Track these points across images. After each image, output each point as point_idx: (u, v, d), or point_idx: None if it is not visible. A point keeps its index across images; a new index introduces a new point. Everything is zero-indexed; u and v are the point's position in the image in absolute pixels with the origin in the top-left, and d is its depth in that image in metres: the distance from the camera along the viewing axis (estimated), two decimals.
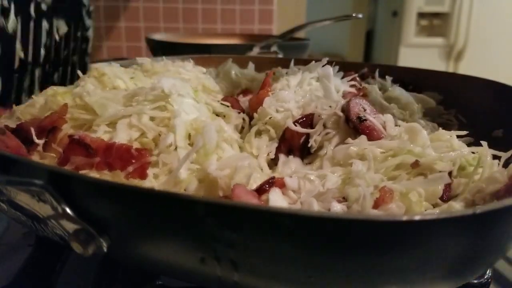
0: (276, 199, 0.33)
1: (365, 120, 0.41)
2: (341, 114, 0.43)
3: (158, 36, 1.15)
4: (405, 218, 0.22)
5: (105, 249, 0.27)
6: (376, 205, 0.31)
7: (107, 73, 0.49)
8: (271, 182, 0.34)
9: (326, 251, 0.23)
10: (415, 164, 0.35)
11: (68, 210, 0.26)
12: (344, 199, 0.33)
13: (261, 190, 0.33)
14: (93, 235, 0.26)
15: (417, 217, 0.21)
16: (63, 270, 0.40)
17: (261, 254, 0.24)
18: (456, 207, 0.32)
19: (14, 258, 0.41)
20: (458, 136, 0.41)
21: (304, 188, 0.35)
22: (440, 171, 0.35)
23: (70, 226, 0.27)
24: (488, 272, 0.38)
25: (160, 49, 1.01)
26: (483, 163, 0.36)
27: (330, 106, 0.45)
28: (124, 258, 0.31)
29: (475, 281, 0.37)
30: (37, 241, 0.43)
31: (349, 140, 0.40)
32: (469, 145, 0.42)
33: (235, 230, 0.23)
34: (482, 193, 0.33)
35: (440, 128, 0.47)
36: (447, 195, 0.35)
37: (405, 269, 0.24)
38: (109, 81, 0.49)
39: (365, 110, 0.43)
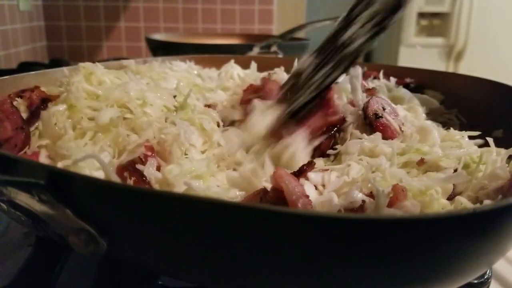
0: (309, 188, 0.34)
1: (381, 117, 0.42)
2: (360, 111, 0.44)
3: (158, 36, 1.15)
4: (404, 217, 0.22)
5: (105, 249, 0.27)
6: (390, 204, 0.31)
7: (95, 72, 0.50)
8: (308, 167, 0.35)
9: (326, 251, 0.23)
10: (421, 162, 0.36)
11: (68, 210, 0.26)
12: (371, 193, 0.33)
13: (299, 173, 0.35)
14: (93, 235, 0.26)
15: (416, 217, 0.21)
16: (63, 270, 0.40)
17: (262, 254, 0.24)
18: (464, 201, 0.32)
19: (14, 258, 0.41)
20: (470, 137, 0.42)
21: (329, 182, 0.35)
22: (445, 168, 0.35)
23: (70, 226, 0.27)
24: (488, 272, 0.38)
25: (159, 49, 1.01)
26: (485, 160, 0.36)
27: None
28: (124, 258, 0.31)
29: (475, 281, 0.37)
30: (37, 241, 0.43)
31: (364, 135, 0.41)
32: (481, 146, 0.42)
33: (234, 230, 0.23)
34: (486, 190, 0.33)
35: (441, 127, 0.47)
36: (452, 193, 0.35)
37: (405, 269, 0.24)
38: (95, 79, 0.49)
39: (384, 109, 0.44)
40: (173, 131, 0.39)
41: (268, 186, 0.34)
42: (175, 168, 0.36)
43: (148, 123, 0.41)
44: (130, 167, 0.35)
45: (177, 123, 0.41)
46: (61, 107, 0.42)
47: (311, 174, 0.35)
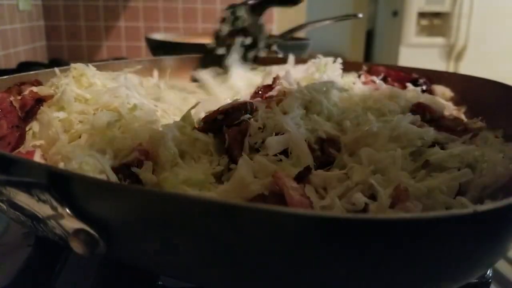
0: (309, 191, 0.33)
1: None
2: None
3: (157, 36, 1.15)
4: (405, 217, 0.21)
5: (104, 249, 0.27)
6: (392, 205, 0.30)
7: (86, 74, 0.50)
8: (307, 171, 0.34)
9: (326, 251, 0.23)
10: (426, 164, 0.36)
11: (67, 210, 0.26)
12: (373, 195, 0.32)
13: (299, 178, 0.34)
14: (93, 235, 0.26)
15: (416, 216, 0.21)
16: (63, 270, 0.40)
17: (261, 254, 0.24)
18: (465, 201, 0.32)
19: (13, 258, 0.41)
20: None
21: (330, 185, 0.34)
22: (449, 168, 0.35)
23: (70, 226, 0.27)
24: (488, 272, 0.38)
25: (159, 49, 1.01)
26: (488, 158, 0.35)
27: None
28: (124, 258, 0.31)
29: (475, 281, 0.37)
30: (37, 242, 0.43)
31: None
32: None
33: (234, 230, 0.23)
34: (489, 189, 0.32)
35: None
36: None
37: (404, 269, 0.24)
38: (86, 81, 0.49)
39: None
40: (157, 133, 0.39)
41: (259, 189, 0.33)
42: (171, 175, 0.36)
43: (140, 128, 0.40)
44: (125, 170, 0.35)
45: (162, 126, 0.40)
46: (61, 114, 0.42)
47: (312, 176, 0.35)
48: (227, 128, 0.41)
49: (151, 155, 0.38)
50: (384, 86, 0.57)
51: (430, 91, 0.59)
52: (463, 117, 0.54)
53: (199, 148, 0.40)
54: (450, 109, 0.55)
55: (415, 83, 0.60)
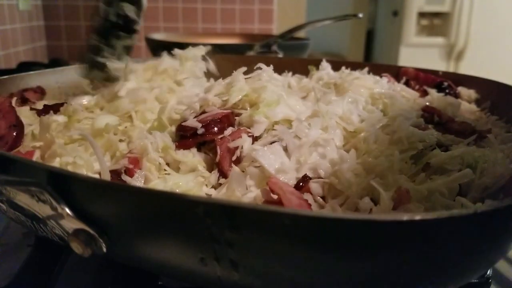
0: (308, 199, 0.32)
1: None
2: None
3: (157, 36, 1.15)
4: (405, 217, 0.21)
5: (104, 249, 0.27)
6: (394, 207, 0.30)
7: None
8: (306, 180, 0.34)
9: (327, 251, 0.23)
10: (427, 167, 0.35)
11: (67, 210, 0.26)
12: (372, 199, 0.32)
13: (298, 186, 0.33)
14: (93, 235, 0.26)
15: (417, 217, 0.21)
16: (62, 270, 0.40)
17: (261, 254, 0.24)
18: (465, 202, 0.31)
19: (13, 258, 0.41)
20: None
21: (330, 193, 0.34)
22: (451, 170, 0.35)
23: (70, 226, 0.27)
24: (489, 272, 0.38)
25: (159, 49, 1.01)
26: (487, 159, 0.35)
27: None
28: (124, 258, 0.31)
29: (475, 281, 0.37)
30: (37, 241, 0.43)
31: None
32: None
33: (235, 230, 0.23)
34: (490, 190, 0.32)
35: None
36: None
37: (406, 270, 0.24)
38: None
39: None
40: (140, 144, 0.38)
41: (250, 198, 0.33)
42: (159, 183, 0.35)
43: (138, 134, 0.40)
44: (113, 176, 0.35)
45: (144, 135, 0.39)
46: (60, 118, 0.42)
47: (312, 184, 0.34)
48: (220, 140, 0.39)
49: (140, 163, 0.37)
50: (396, 86, 0.57)
51: (455, 94, 0.58)
52: (485, 118, 0.53)
53: (184, 169, 0.38)
54: (473, 111, 0.54)
55: (440, 86, 0.59)
